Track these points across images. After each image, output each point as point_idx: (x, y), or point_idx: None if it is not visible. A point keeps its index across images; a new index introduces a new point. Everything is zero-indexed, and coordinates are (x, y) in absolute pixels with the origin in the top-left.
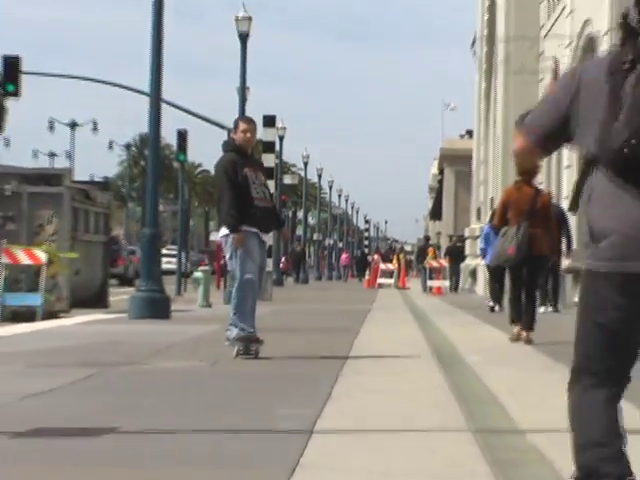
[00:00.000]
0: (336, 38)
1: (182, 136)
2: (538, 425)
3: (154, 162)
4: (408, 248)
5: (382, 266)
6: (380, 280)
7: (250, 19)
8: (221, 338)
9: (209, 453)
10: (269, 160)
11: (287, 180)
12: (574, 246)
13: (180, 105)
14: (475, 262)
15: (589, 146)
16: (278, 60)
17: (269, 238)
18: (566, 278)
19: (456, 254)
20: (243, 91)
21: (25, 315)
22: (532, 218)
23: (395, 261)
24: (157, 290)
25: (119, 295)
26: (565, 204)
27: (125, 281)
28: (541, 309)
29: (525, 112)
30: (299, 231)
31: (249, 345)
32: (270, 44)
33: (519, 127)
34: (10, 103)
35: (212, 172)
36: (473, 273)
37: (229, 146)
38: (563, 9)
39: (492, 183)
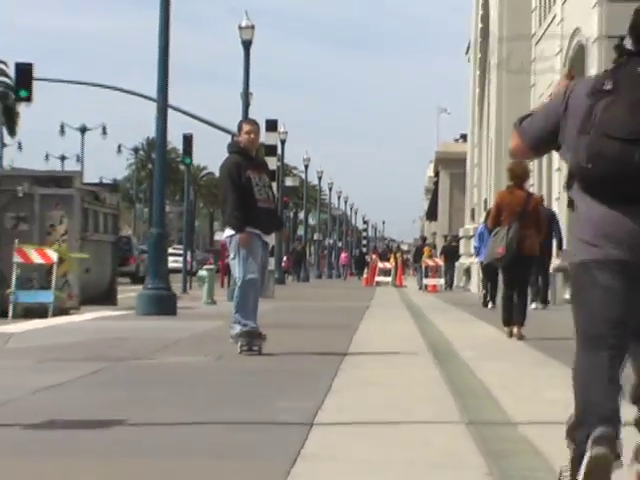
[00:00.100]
0: (335, 45)
1: (188, 140)
2: (530, 417)
3: (161, 165)
4: (405, 247)
5: (380, 265)
6: (378, 278)
7: (253, 27)
8: (225, 334)
9: (213, 445)
10: (271, 163)
11: (289, 182)
12: (564, 246)
13: (186, 110)
14: (469, 261)
15: (569, 161)
16: (279, 66)
17: (271, 239)
18: (556, 277)
19: (451, 253)
20: (246, 96)
21: (37, 312)
22: (523, 220)
23: (392, 260)
24: (164, 288)
25: (131, 292)
26: (556, 205)
27: (136, 279)
28: (532, 305)
29: (524, 115)
30: (300, 231)
31: (252, 341)
32: (271, 51)
33: (517, 128)
34: (23, 108)
35: (217, 174)
36: (467, 271)
37: (234, 148)
38: (554, 17)
39: (485, 185)
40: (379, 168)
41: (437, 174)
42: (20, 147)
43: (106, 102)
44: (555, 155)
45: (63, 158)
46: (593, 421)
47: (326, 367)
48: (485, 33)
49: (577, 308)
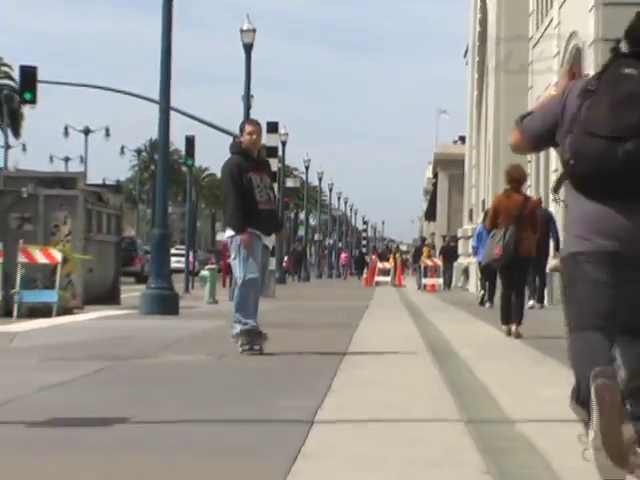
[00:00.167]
0: (335, 48)
1: (190, 142)
2: (527, 416)
3: (163, 166)
4: (404, 248)
5: (379, 265)
6: (377, 278)
7: (254, 31)
8: (226, 333)
9: (214, 443)
10: (272, 164)
11: (289, 183)
12: (561, 247)
13: (188, 112)
14: (467, 261)
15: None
16: (280, 69)
17: (271, 241)
18: (553, 277)
19: (449, 253)
20: (248, 98)
21: (41, 311)
22: (520, 222)
23: (391, 260)
24: (166, 288)
25: (134, 292)
26: (553, 206)
27: (141, 279)
28: (530, 302)
29: (525, 113)
30: (301, 231)
31: (253, 340)
32: (272, 54)
33: (518, 125)
34: (27, 110)
35: (219, 175)
36: (465, 271)
37: (235, 148)
38: (551, 21)
39: (483, 186)
40: (379, 169)
41: (436, 175)
42: (25, 149)
43: (109, 104)
44: (552, 157)
45: (67, 159)
46: (590, 371)
47: (326, 366)
48: (483, 37)
49: (567, 300)
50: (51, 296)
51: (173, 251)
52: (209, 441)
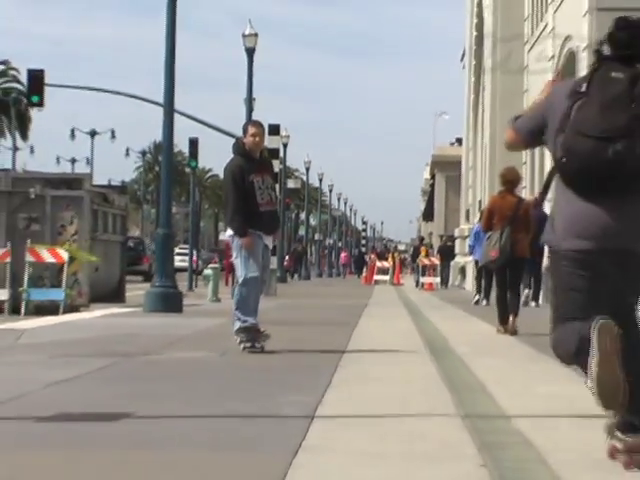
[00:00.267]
0: (336, 52)
1: (193, 144)
2: (523, 411)
3: (167, 168)
4: (402, 247)
5: (378, 264)
6: (376, 277)
7: (256, 35)
8: (229, 331)
9: (216, 437)
10: (274, 166)
11: (290, 184)
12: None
13: (191, 115)
14: (464, 260)
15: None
16: (282, 72)
17: (270, 241)
18: (548, 276)
19: (447, 253)
20: (250, 101)
21: (48, 309)
22: (514, 224)
23: (390, 259)
24: (170, 286)
25: (139, 290)
26: (548, 207)
27: (149, 278)
28: (525, 291)
29: (518, 114)
30: (301, 231)
31: (252, 337)
32: (274, 58)
33: (512, 125)
34: (35, 113)
35: (221, 177)
36: (462, 270)
37: (238, 149)
38: (545, 26)
39: (480, 187)
40: (378, 171)
41: (433, 176)
42: (32, 151)
43: (115, 107)
44: (547, 158)
45: (73, 161)
46: (588, 325)
47: (326, 363)
48: (479, 41)
49: (551, 292)
50: (58, 294)
51: (177, 250)
52: (211, 436)
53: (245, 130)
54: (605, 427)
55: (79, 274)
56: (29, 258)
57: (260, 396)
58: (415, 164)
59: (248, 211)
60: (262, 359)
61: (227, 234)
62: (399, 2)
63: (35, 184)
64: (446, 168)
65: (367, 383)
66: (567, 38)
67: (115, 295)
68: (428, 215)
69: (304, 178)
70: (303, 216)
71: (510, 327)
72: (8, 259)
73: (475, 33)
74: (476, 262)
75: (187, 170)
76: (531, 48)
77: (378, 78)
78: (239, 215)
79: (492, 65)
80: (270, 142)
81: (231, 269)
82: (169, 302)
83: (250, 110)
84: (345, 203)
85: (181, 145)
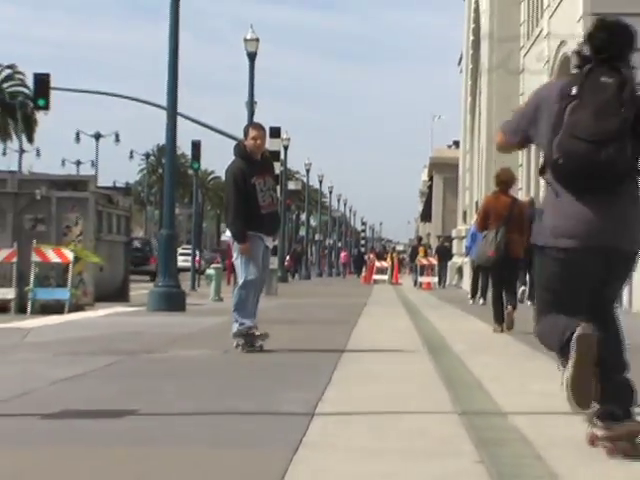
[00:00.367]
0: (336, 56)
1: (196, 146)
2: (519, 408)
3: (171, 170)
4: (400, 248)
5: (377, 264)
6: (375, 277)
7: (257, 40)
8: (230, 329)
9: (218, 434)
10: (275, 168)
11: (291, 186)
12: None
13: (194, 118)
14: (461, 260)
15: (542, 149)
16: (283, 76)
17: (271, 242)
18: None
19: (444, 253)
20: (251, 105)
21: (54, 308)
22: (509, 224)
23: (389, 259)
24: (173, 285)
25: (143, 290)
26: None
27: (155, 278)
28: (521, 288)
29: (508, 120)
30: (302, 232)
31: (251, 341)
32: (275, 62)
33: (502, 128)
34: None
35: (223, 178)
36: (459, 270)
37: (239, 152)
38: (541, 31)
39: (476, 189)
40: (377, 172)
41: (431, 178)
42: (38, 153)
43: (119, 110)
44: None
45: (78, 163)
46: (573, 326)
47: (326, 361)
48: (476, 45)
49: (536, 286)
50: (63, 293)
51: (180, 251)
52: (212, 432)
53: (246, 133)
54: (585, 416)
55: (84, 274)
56: (35, 258)
57: (261, 393)
58: (413, 166)
59: (250, 213)
60: (263, 357)
61: (227, 235)
62: (398, 7)
63: (41, 186)
64: (444, 170)
65: (367, 381)
66: (562, 43)
67: (119, 294)
68: (426, 216)
69: (304, 180)
70: (304, 217)
71: (507, 318)
72: (15, 259)
73: (472, 38)
74: (473, 262)
75: (190, 172)
76: (527, 52)
77: (377, 81)
78: (239, 220)
79: (489, 66)
80: (271, 145)
81: (233, 269)
82: (172, 301)
83: (252, 113)
84: (345, 204)
85: (184, 147)
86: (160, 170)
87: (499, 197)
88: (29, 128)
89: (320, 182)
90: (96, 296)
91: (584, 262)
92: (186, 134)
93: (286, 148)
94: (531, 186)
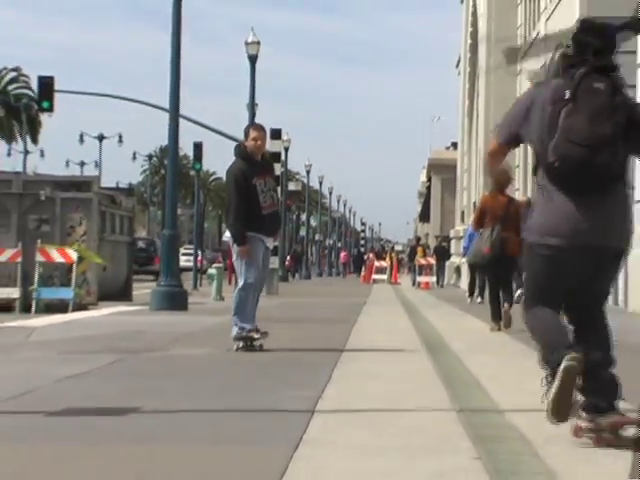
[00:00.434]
0: (336, 59)
1: (198, 147)
2: (516, 406)
3: (173, 171)
4: (399, 248)
5: (376, 263)
6: (375, 276)
7: (259, 43)
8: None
9: (219, 431)
10: (276, 169)
11: (291, 187)
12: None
13: (196, 119)
14: (459, 260)
15: (534, 149)
16: (284, 78)
17: (271, 243)
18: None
19: (442, 253)
20: (252, 107)
21: (58, 307)
22: (505, 223)
23: (388, 259)
24: (176, 285)
25: (146, 289)
26: None
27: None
28: (518, 291)
29: (500, 123)
30: (302, 232)
31: (252, 345)
32: (276, 65)
33: (494, 132)
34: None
35: (224, 179)
36: (457, 270)
37: (240, 152)
38: (538, 34)
39: (474, 189)
40: (376, 173)
41: (429, 179)
42: (42, 154)
43: (123, 112)
44: None
45: (82, 164)
46: (562, 349)
47: (326, 359)
48: (474, 48)
49: (525, 280)
50: (67, 293)
51: (182, 250)
52: (214, 430)
53: (247, 133)
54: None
55: (88, 273)
56: (39, 258)
57: (261, 391)
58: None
59: (251, 214)
60: (264, 356)
61: (227, 235)
62: (398, 10)
63: (45, 186)
64: (442, 171)
65: (366, 378)
66: (558, 46)
67: (122, 294)
68: (424, 216)
69: (305, 181)
70: (304, 217)
71: (505, 316)
72: (19, 259)
73: (470, 41)
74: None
75: (192, 173)
76: (524, 55)
77: (377, 84)
78: (239, 221)
79: (487, 67)
80: (272, 146)
81: (234, 269)
82: (174, 300)
83: (253, 115)
84: (344, 205)
85: (186, 149)
86: (162, 171)
87: (496, 196)
88: (33, 130)
89: (320, 183)
90: (99, 295)
91: (570, 260)
92: (188, 135)
93: (287, 149)
94: (528, 187)
